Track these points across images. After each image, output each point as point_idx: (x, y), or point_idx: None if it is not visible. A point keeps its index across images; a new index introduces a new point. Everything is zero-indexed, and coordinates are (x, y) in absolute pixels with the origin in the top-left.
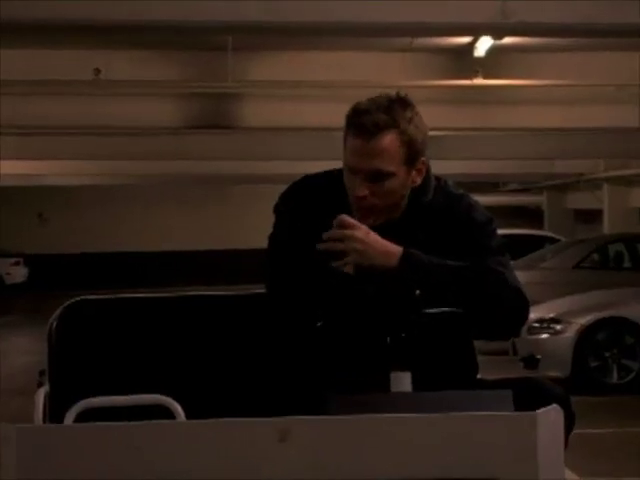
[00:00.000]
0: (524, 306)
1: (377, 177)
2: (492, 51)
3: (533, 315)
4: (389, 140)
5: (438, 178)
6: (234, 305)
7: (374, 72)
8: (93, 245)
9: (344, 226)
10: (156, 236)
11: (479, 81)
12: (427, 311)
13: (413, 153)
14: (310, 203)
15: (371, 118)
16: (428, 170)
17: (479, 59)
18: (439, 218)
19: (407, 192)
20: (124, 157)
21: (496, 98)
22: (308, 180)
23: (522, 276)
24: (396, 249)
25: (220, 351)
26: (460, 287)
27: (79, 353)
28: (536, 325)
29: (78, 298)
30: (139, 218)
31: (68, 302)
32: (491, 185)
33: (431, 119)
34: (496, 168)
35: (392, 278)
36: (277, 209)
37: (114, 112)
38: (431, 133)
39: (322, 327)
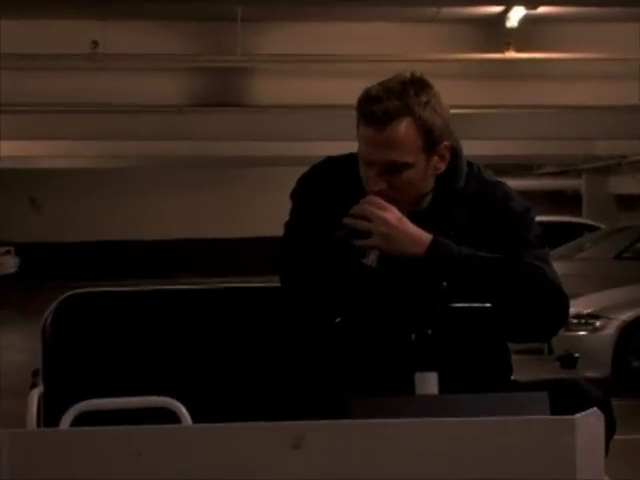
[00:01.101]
0: (564, 304)
1: (393, 169)
2: (525, 21)
3: (570, 310)
4: (403, 128)
5: (470, 164)
6: (244, 298)
7: (396, 45)
8: (90, 233)
9: (375, 206)
10: (158, 223)
11: (511, 54)
12: (455, 305)
13: (432, 139)
14: (331, 188)
15: (382, 106)
16: (459, 155)
17: (511, 30)
18: (471, 207)
19: (431, 181)
20: (123, 137)
21: (530, 73)
22: (330, 163)
23: (559, 267)
24: (425, 236)
25: (229, 349)
26: (493, 281)
27: (76, 351)
28: (573, 321)
29: (74, 291)
30: (139, 204)
31: (63, 295)
32: (524, 168)
33: (458, 96)
34: (529, 149)
35: (418, 268)
36: (294, 194)
37: (112, 88)
38: (458, 111)
39: (341, 323)
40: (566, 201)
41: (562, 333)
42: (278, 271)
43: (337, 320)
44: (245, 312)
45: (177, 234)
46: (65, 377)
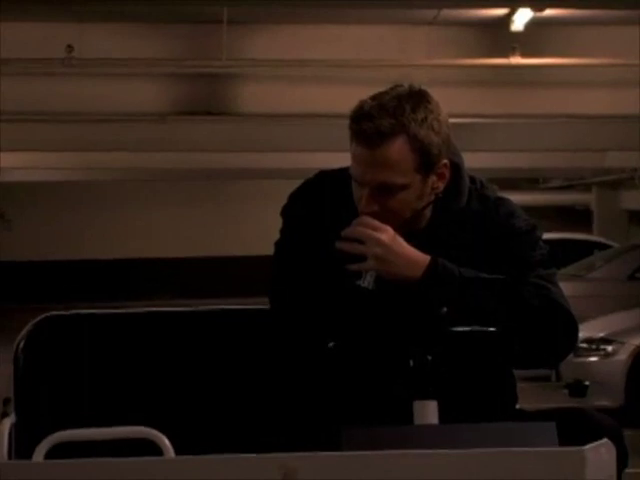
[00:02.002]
0: (572, 328)
1: (386, 190)
2: (531, 25)
3: (580, 334)
4: (397, 148)
5: (473, 179)
6: (231, 322)
7: (394, 49)
8: (65, 251)
9: (368, 227)
10: (139, 241)
11: (516, 60)
12: (456, 329)
13: (428, 159)
14: (324, 205)
15: (374, 124)
16: (461, 171)
17: (516, 34)
18: (473, 226)
19: (429, 200)
20: (101, 149)
21: (536, 79)
22: (323, 177)
23: (567, 288)
24: (422, 258)
25: (215, 375)
26: (496, 305)
27: (50, 378)
28: (583, 346)
29: (49, 314)
30: (118, 220)
31: (37, 318)
32: (529, 182)
33: (459, 104)
34: (536, 161)
35: (415, 292)
36: (285, 212)
37: (89, 96)
38: (459, 120)
39: (334, 348)
40: (575, 217)
41: (571, 359)
42: (268, 293)
43: (330, 345)
44: (232, 336)
45: (160, 252)
46: (39, 406)
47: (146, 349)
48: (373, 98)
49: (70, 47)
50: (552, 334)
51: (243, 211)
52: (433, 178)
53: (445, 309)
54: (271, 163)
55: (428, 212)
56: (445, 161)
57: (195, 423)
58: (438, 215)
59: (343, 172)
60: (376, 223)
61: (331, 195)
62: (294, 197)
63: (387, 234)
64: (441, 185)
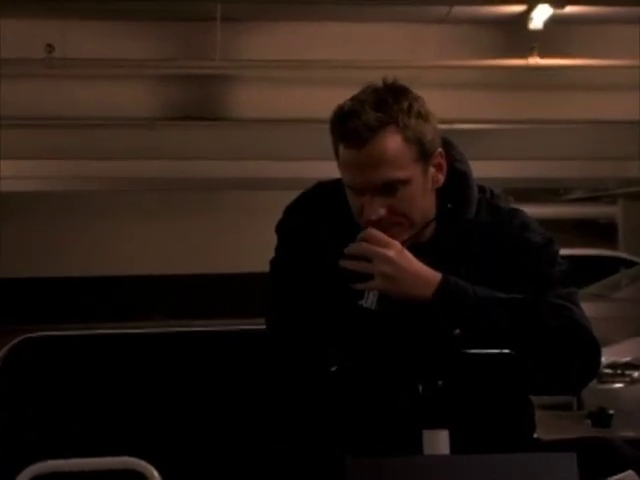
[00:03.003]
0: (594, 352)
1: (388, 189)
2: (551, 22)
3: (604, 359)
4: (390, 141)
5: (482, 188)
6: (224, 344)
7: (401, 49)
8: (44, 268)
9: (374, 242)
10: (125, 257)
11: (535, 60)
12: (469, 352)
13: (424, 148)
14: (322, 219)
15: (361, 120)
16: (468, 180)
17: (535, 33)
18: (484, 239)
19: (432, 199)
20: (84, 156)
21: (557, 82)
22: (321, 189)
23: (589, 309)
24: (433, 276)
25: (207, 401)
26: (513, 326)
27: (30, 404)
28: (608, 371)
29: (28, 335)
30: (103, 234)
31: (15, 340)
32: (549, 193)
33: (474, 108)
34: (556, 171)
35: (425, 312)
36: (280, 227)
37: (70, 99)
38: (473, 127)
39: (337, 372)
40: (599, 231)
41: (594, 385)
42: (265, 314)
43: (333, 369)
44: (226, 359)
45: (148, 269)
46: (18, 434)
47: (132, 372)
48: (351, 99)
49: (50, 46)
50: (572, 358)
51: (238, 225)
52: (432, 170)
53: (458, 331)
54: (269, 172)
55: (433, 224)
56: (440, 150)
57: (186, 452)
58: (445, 227)
59: (342, 182)
60: (383, 237)
61: (330, 208)
62: (290, 211)
63: (395, 250)
64: (441, 178)
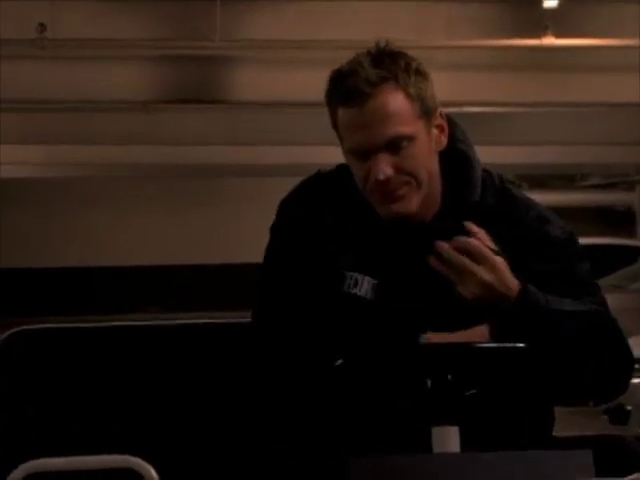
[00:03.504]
0: (631, 366)
1: (393, 147)
2: (567, 1)
3: None
4: (391, 95)
5: (489, 172)
6: (223, 337)
7: (409, 29)
8: (37, 258)
9: (484, 245)
10: (121, 247)
11: (549, 40)
12: (479, 345)
13: (425, 105)
14: (323, 206)
15: (360, 77)
16: (471, 161)
17: (549, 11)
18: (494, 225)
19: (436, 162)
20: (76, 141)
21: (572, 63)
22: (320, 178)
23: (607, 300)
24: (514, 282)
25: (205, 397)
26: (577, 338)
27: (23, 399)
28: None
29: (20, 328)
30: (98, 222)
31: (7, 333)
32: (565, 179)
33: (485, 90)
34: (572, 156)
35: (501, 322)
36: (277, 224)
37: (64, 81)
38: (485, 109)
39: (342, 366)
40: (616, 219)
41: None
42: (256, 307)
43: (337, 363)
44: (225, 353)
45: (146, 260)
46: (10, 431)
47: (128, 367)
48: (346, 62)
49: (42, 26)
50: (614, 370)
51: (238, 213)
52: (434, 131)
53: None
54: (270, 158)
55: (438, 201)
56: (441, 110)
57: (184, 449)
58: (448, 207)
59: (342, 169)
60: (483, 234)
61: (332, 195)
62: (287, 203)
63: (501, 261)
64: (444, 140)
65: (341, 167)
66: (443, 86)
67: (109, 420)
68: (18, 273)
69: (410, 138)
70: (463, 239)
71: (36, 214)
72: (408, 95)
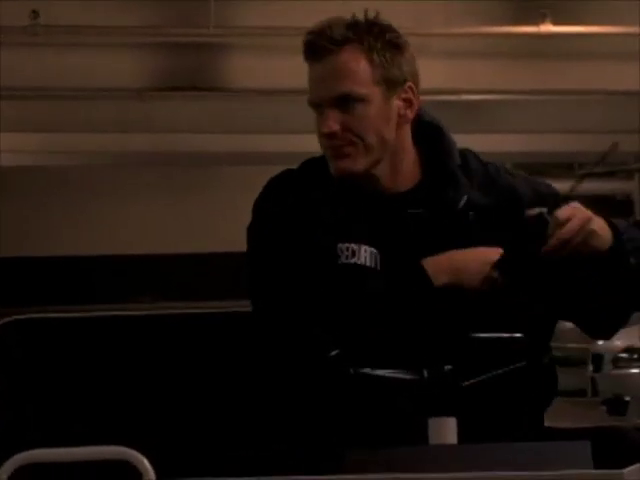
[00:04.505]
0: None
1: (343, 104)
2: None
3: (619, 343)
4: (351, 55)
5: (465, 149)
6: (221, 327)
7: (408, 16)
8: (31, 247)
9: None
10: (118, 235)
11: (547, 28)
12: (478, 335)
13: (388, 73)
14: (311, 187)
15: (327, 34)
16: (444, 132)
17: None
18: (484, 189)
19: (401, 134)
20: (71, 129)
21: (570, 50)
22: (289, 172)
23: None
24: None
25: (202, 388)
26: None
27: (15, 390)
28: (623, 356)
29: (14, 317)
30: (93, 211)
31: (0, 322)
32: (563, 168)
33: (483, 78)
34: (570, 144)
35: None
36: (256, 222)
37: (57, 68)
38: (482, 97)
39: (337, 357)
40: (615, 208)
41: (609, 371)
42: (254, 296)
43: (333, 353)
44: (223, 343)
45: (143, 249)
46: (2, 422)
47: (124, 357)
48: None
49: (35, 13)
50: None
51: (234, 201)
52: (397, 102)
53: (633, 260)
54: (267, 146)
55: (417, 171)
56: (410, 84)
57: (180, 441)
58: (428, 175)
59: (308, 162)
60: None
61: (320, 177)
62: (261, 201)
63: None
64: (409, 114)
65: (307, 161)
66: (440, 73)
67: (102, 410)
68: (15, 262)
69: (362, 99)
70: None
71: (32, 203)
72: (370, 60)
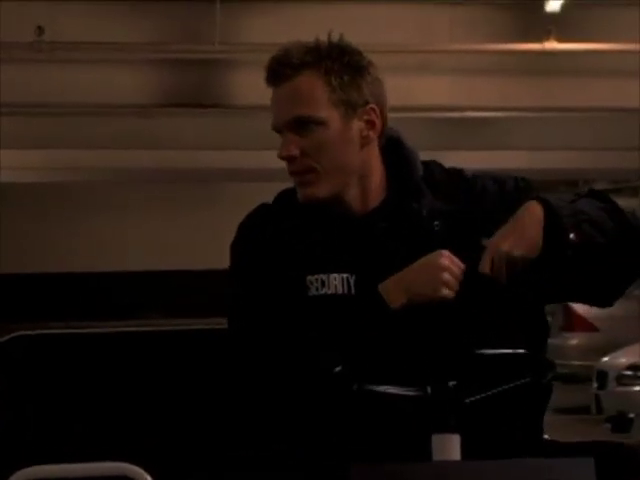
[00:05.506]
0: None
1: (301, 126)
2: (570, 4)
3: (624, 360)
4: (307, 79)
5: (433, 161)
6: (223, 343)
7: (412, 32)
8: (34, 263)
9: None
10: (119, 252)
11: (552, 45)
12: (481, 351)
13: (347, 97)
14: (284, 217)
15: (285, 59)
16: (402, 142)
17: (552, 15)
18: (447, 196)
19: (357, 154)
20: (73, 145)
21: (575, 67)
22: (265, 205)
23: (608, 308)
24: (533, 206)
25: (202, 403)
26: (614, 228)
27: (18, 405)
28: (628, 373)
29: (17, 333)
30: (95, 227)
31: (4, 338)
32: (568, 184)
33: (487, 95)
34: (575, 161)
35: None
36: (239, 241)
37: (60, 85)
38: (486, 115)
39: (341, 373)
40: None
41: (614, 388)
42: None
43: (336, 370)
44: (225, 359)
45: (145, 265)
46: (6, 437)
47: (125, 372)
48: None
49: (40, 29)
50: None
51: (239, 218)
52: (359, 124)
53: (572, 236)
54: (271, 163)
55: (382, 187)
56: (372, 105)
57: (180, 455)
58: (394, 190)
59: (282, 194)
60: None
61: (278, 216)
62: (247, 222)
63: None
64: (372, 135)
65: (281, 193)
66: (444, 90)
67: (103, 424)
68: (16, 278)
69: (319, 123)
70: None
71: (33, 219)
72: (328, 83)
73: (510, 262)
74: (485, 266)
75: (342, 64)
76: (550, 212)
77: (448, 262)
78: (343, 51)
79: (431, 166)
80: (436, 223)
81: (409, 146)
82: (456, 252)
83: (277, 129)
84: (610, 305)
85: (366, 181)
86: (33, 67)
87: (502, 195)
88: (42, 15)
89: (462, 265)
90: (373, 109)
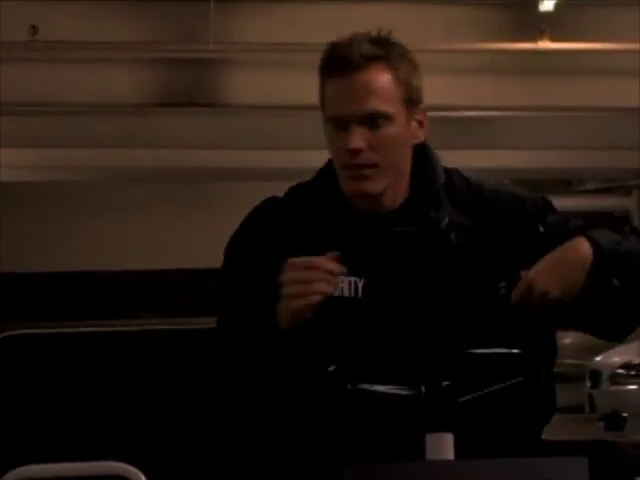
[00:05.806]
0: None
1: (372, 122)
2: (563, 4)
3: (618, 359)
4: (381, 74)
5: (454, 168)
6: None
7: (407, 32)
8: (29, 262)
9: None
10: (117, 251)
11: (545, 44)
12: (475, 351)
13: (411, 94)
14: (284, 225)
15: (355, 49)
16: (429, 149)
17: (546, 15)
18: (466, 208)
19: (409, 155)
20: (70, 144)
21: (568, 67)
22: (273, 200)
23: None
24: (580, 242)
25: (198, 403)
26: None
27: (11, 405)
28: (621, 372)
29: (9, 332)
30: (92, 226)
31: None
32: (561, 184)
33: (481, 94)
34: (568, 161)
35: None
36: (238, 239)
37: (54, 84)
38: (481, 114)
39: (334, 373)
40: (613, 224)
41: (607, 387)
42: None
43: (330, 369)
44: (217, 358)
45: (140, 264)
46: (3, 432)
47: (119, 371)
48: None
49: (34, 28)
50: None
51: (235, 217)
52: (414, 123)
53: (615, 281)
54: (266, 162)
55: (405, 189)
56: (422, 106)
57: (173, 453)
58: (416, 192)
59: (292, 190)
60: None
61: (289, 212)
62: (247, 221)
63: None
64: (421, 135)
65: (291, 189)
66: (439, 90)
67: (101, 424)
68: (14, 277)
69: (389, 118)
70: None
71: (31, 218)
72: (397, 78)
73: (543, 300)
74: (517, 298)
75: (405, 60)
76: (598, 255)
77: None
78: (403, 47)
79: (452, 174)
80: (453, 235)
81: (434, 152)
82: (470, 268)
83: (342, 121)
84: (620, 341)
85: (400, 182)
86: (27, 66)
87: (521, 214)
88: (36, 14)
89: None
90: (423, 111)
